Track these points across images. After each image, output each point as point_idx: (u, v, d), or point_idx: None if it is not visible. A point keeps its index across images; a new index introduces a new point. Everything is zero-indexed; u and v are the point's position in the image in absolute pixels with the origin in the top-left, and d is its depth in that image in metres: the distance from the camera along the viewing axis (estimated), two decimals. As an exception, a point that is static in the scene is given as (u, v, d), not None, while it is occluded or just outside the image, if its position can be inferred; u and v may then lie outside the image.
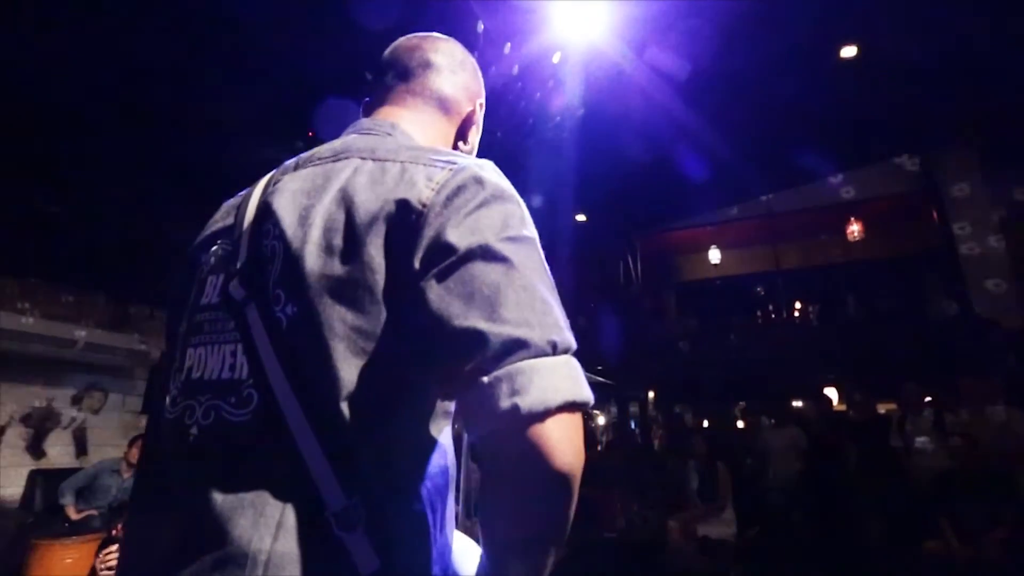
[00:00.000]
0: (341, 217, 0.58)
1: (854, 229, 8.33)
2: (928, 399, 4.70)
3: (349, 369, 0.53)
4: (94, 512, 4.03)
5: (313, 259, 0.56)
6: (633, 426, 10.00)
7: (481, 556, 0.56)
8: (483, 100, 0.88)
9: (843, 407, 6.83)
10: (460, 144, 0.84)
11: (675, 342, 8.88)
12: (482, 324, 0.50)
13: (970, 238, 6.88)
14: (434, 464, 0.59)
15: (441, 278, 0.53)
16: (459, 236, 0.54)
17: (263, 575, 0.49)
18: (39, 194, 4.23)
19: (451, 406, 0.63)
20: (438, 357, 0.53)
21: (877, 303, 8.27)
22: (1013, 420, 4.09)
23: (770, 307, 9.25)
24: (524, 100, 4.46)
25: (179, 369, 0.65)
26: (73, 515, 4.07)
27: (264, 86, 3.53)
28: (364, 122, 0.76)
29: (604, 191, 6.91)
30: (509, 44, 3.93)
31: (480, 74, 0.88)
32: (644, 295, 9.61)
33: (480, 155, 0.73)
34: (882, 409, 5.89)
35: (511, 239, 0.56)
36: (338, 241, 0.57)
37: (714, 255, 9.53)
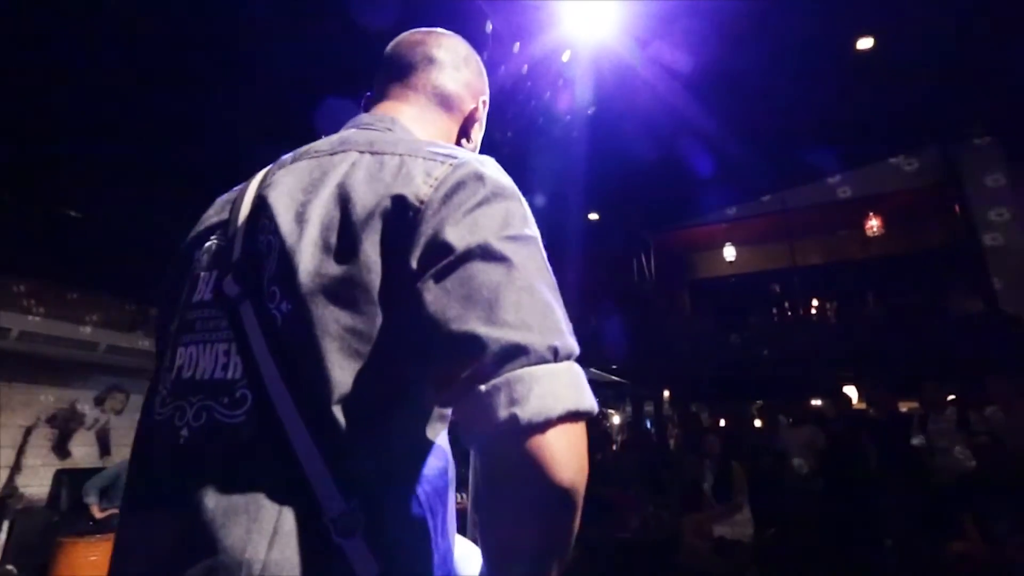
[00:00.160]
0: (338, 214, 0.56)
1: (873, 224, 8.17)
2: (951, 397, 4.59)
3: (342, 371, 0.52)
4: (117, 511, 4.12)
5: (308, 257, 0.54)
6: (648, 425, 9.94)
7: (481, 566, 0.54)
8: (487, 97, 0.86)
9: (863, 406, 6.69)
10: (463, 142, 0.83)
11: (690, 340, 8.80)
12: (480, 328, 0.48)
13: (995, 231, 6.71)
14: (432, 467, 0.57)
15: (438, 278, 0.51)
16: (458, 235, 0.52)
17: None
18: (58, 198, 4.33)
19: (449, 410, 0.61)
20: (434, 361, 0.51)
21: (897, 299, 8.11)
22: (1041, 419, 3.97)
23: (786, 304, 9.11)
24: (534, 99, 4.45)
25: (169, 368, 0.63)
26: (97, 514, 4.17)
27: (275, 89, 3.57)
28: (363, 117, 0.74)
29: (616, 189, 6.88)
30: (518, 43, 3.92)
31: (484, 71, 0.86)
32: (658, 293, 9.53)
33: (490, 155, 0.71)
34: (903, 408, 5.78)
35: (512, 238, 0.53)
36: (334, 239, 0.55)
37: (729, 252, 9.42)
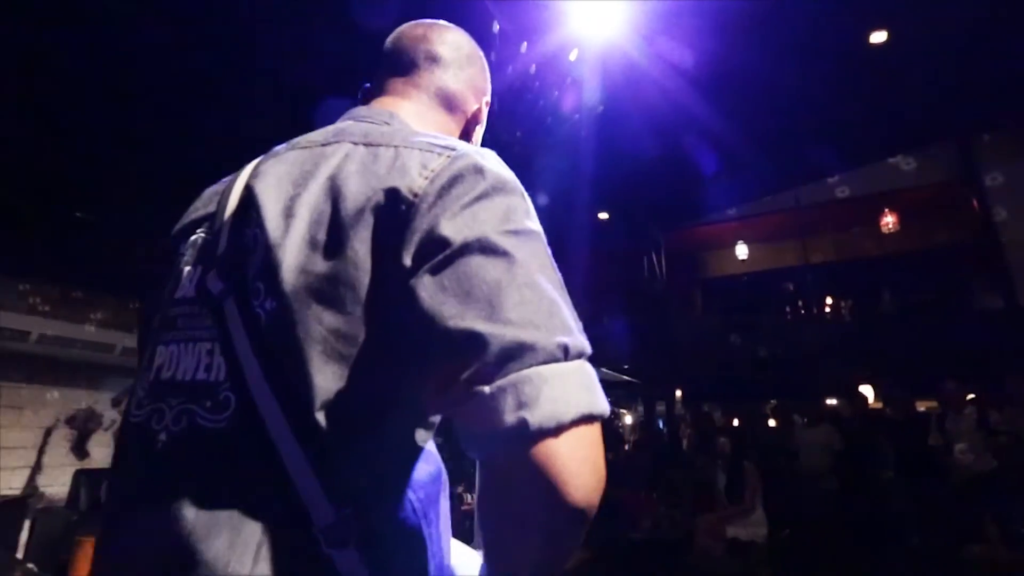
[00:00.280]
0: (328, 209, 0.53)
1: (888, 221, 8.04)
2: (971, 396, 4.51)
3: (323, 376, 0.49)
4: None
5: (294, 253, 0.51)
6: (661, 425, 9.88)
7: (481, 571, 0.53)
8: (489, 97, 0.82)
9: (879, 405, 6.60)
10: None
11: (702, 340, 8.73)
12: (481, 325, 0.44)
13: (1014, 226, 6.57)
14: (424, 472, 0.55)
15: (434, 274, 0.47)
16: (455, 228, 0.49)
17: None
18: (74, 202, 4.41)
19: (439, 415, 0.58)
20: (430, 363, 0.47)
21: (914, 297, 7.98)
22: (1064, 418, 3.88)
23: (799, 303, 9.00)
24: (542, 99, 4.44)
25: (148, 368, 0.59)
26: (115, 513, 4.23)
27: (283, 89, 3.60)
28: (360, 109, 0.71)
29: (625, 188, 6.84)
30: (526, 43, 3.91)
31: (488, 69, 0.83)
32: (669, 292, 9.47)
33: (500, 155, 0.68)
34: (921, 407, 5.69)
35: (513, 232, 0.50)
36: (323, 235, 0.52)
37: (741, 250, 9.34)
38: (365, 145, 0.57)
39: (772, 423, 6.40)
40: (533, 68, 4.12)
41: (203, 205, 0.68)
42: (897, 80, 5.71)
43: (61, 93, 3.46)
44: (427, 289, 0.47)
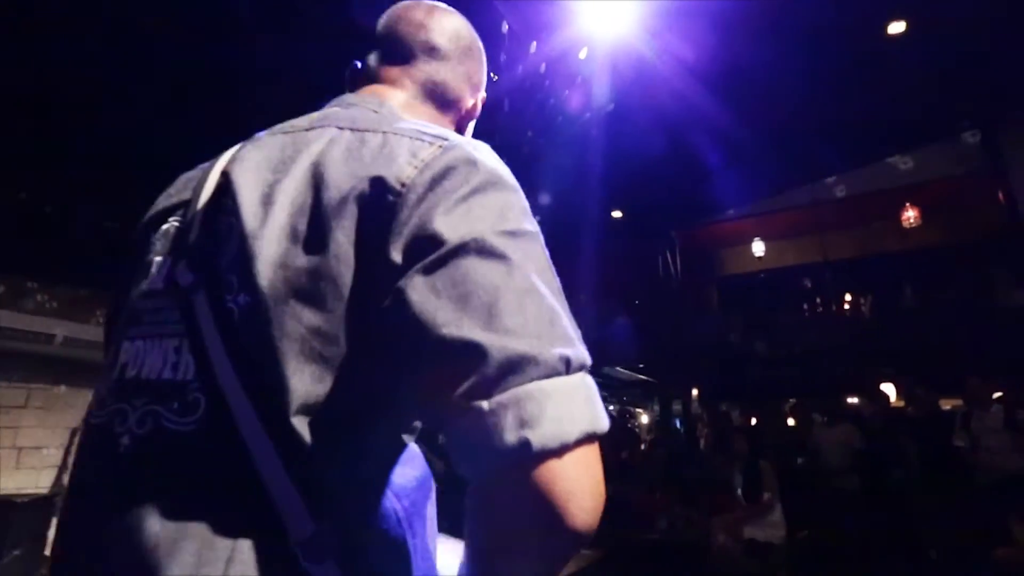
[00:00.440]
0: (309, 197, 0.49)
1: (910, 215, 7.85)
2: (997, 394, 4.39)
3: (300, 378, 0.45)
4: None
5: (272, 245, 0.48)
6: (678, 424, 9.80)
7: None
8: (484, 91, 0.78)
9: (901, 403, 6.46)
10: None
11: (718, 338, 8.64)
12: (479, 334, 0.41)
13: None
14: (410, 478, 0.51)
15: (426, 275, 0.44)
16: (449, 226, 0.45)
17: None
18: (99, 208, 4.51)
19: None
20: (421, 371, 0.44)
21: (937, 292, 7.79)
22: (1095, 416, 3.76)
23: (818, 300, 8.85)
24: (553, 98, 4.43)
25: (111, 366, 0.55)
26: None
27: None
28: (349, 96, 0.67)
29: (638, 186, 6.79)
30: (535, 42, 3.91)
31: (484, 60, 0.78)
32: (685, 290, 9.39)
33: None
34: (946, 405, 5.55)
35: (511, 233, 0.47)
36: (303, 226, 0.48)
37: (758, 247, 9.21)
38: (351, 130, 0.54)
39: (791, 422, 6.32)
40: (543, 67, 4.11)
41: (176, 192, 0.63)
42: (917, 71, 5.58)
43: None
44: (419, 292, 0.43)
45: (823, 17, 4.73)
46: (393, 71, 0.70)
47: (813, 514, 4.39)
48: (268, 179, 0.52)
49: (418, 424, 0.56)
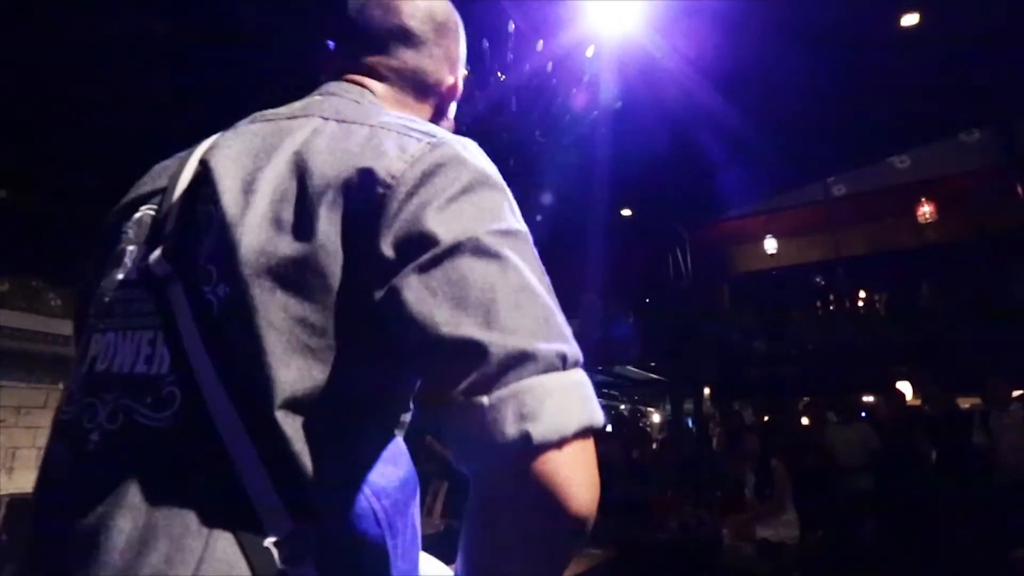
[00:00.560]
0: (293, 186, 0.48)
1: (925, 210, 7.73)
2: (1017, 393, 4.31)
3: (287, 370, 0.44)
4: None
5: (254, 233, 0.46)
6: (690, 424, 9.75)
7: None
8: (465, 68, 0.75)
9: (918, 402, 6.36)
10: (441, 122, 0.73)
11: (730, 336, 8.57)
12: (478, 333, 0.42)
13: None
14: (393, 476, 0.51)
15: (422, 275, 0.44)
16: (443, 225, 0.45)
17: None
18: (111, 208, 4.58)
19: (408, 415, 0.55)
20: (418, 368, 0.45)
21: (955, 289, 7.65)
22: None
23: (831, 297, 8.75)
24: (560, 96, 4.42)
25: (81, 360, 0.53)
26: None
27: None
28: (331, 85, 0.65)
29: (647, 184, 6.75)
30: (542, 41, 3.90)
31: (463, 33, 0.75)
32: (696, 289, 9.32)
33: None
34: (965, 404, 5.46)
35: (503, 232, 0.47)
36: (287, 214, 0.47)
37: (770, 244, 9.12)
38: (337, 121, 0.53)
39: (805, 421, 6.25)
40: (550, 66, 4.10)
41: (151, 180, 0.61)
42: (931, 64, 5.48)
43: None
44: (415, 291, 0.44)
45: (834, 11, 4.66)
46: (369, 60, 0.67)
47: (827, 514, 4.34)
48: (249, 167, 0.51)
49: (406, 419, 0.55)
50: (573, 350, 0.45)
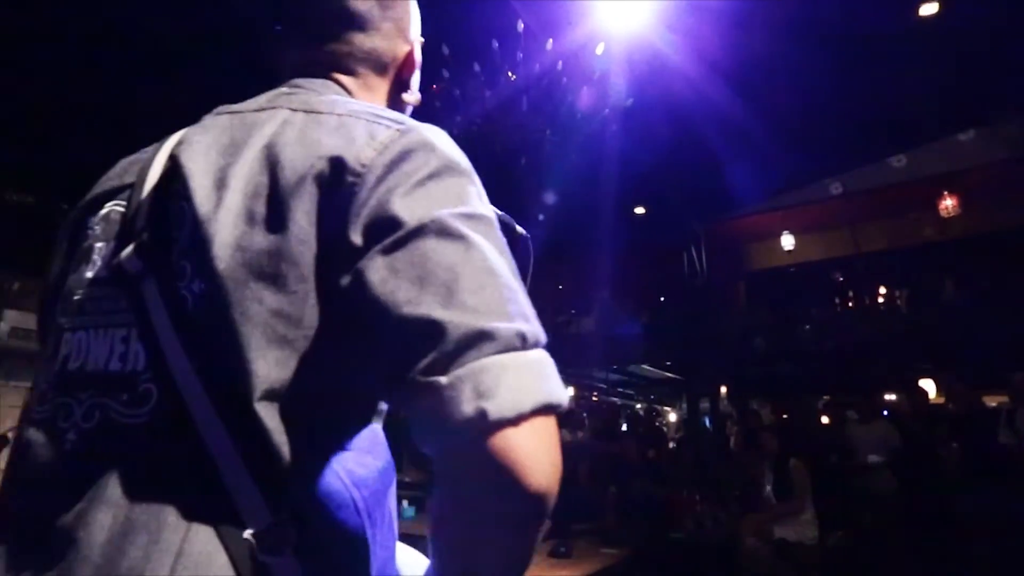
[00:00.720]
0: (265, 179, 0.49)
1: (948, 204, 7.54)
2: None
3: (266, 362, 0.45)
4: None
5: (228, 228, 0.47)
6: (707, 423, 9.66)
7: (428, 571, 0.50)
8: (420, 33, 0.73)
9: (941, 400, 6.21)
10: (404, 96, 0.72)
11: (747, 334, 8.46)
12: (438, 312, 0.42)
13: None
14: (371, 467, 0.51)
15: (386, 256, 0.44)
16: (408, 208, 0.46)
17: None
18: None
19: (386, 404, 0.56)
20: (382, 350, 0.45)
21: (979, 284, 7.46)
22: None
23: (850, 294, 8.59)
24: (570, 95, 4.41)
25: (52, 358, 0.53)
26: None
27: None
28: (294, 79, 0.64)
29: (661, 182, 6.70)
30: (551, 39, 3.89)
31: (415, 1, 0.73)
32: (711, 286, 9.23)
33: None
34: (991, 402, 5.33)
35: (468, 216, 0.47)
36: (260, 208, 0.48)
37: (787, 241, 8.97)
38: (305, 112, 0.53)
39: (824, 420, 6.14)
40: (560, 65, 4.09)
41: (118, 176, 0.61)
42: (951, 54, 5.35)
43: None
44: (378, 272, 0.44)
45: (850, 2, 4.58)
46: (324, 49, 0.65)
47: (848, 515, 4.26)
48: (220, 163, 0.51)
49: (384, 408, 0.55)
50: (534, 330, 0.45)
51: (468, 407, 0.40)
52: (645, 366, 11.14)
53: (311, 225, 0.47)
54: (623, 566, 3.12)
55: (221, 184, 0.49)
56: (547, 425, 0.43)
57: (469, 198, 0.49)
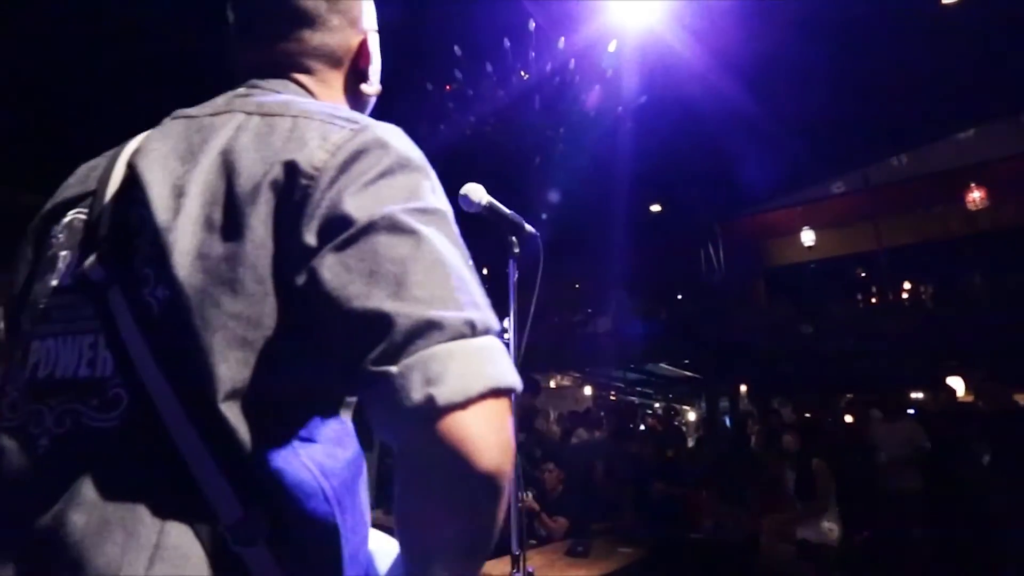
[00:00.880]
0: (222, 186, 0.49)
1: (975, 196, 7.33)
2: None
3: (227, 364, 0.46)
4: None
5: (187, 236, 0.48)
6: (727, 422, 9.54)
7: (398, 561, 0.51)
8: (374, 20, 0.72)
9: (970, 398, 6.04)
10: (363, 87, 0.71)
11: (766, 332, 8.32)
12: (387, 304, 0.43)
13: None
14: (340, 458, 0.52)
15: (338, 253, 0.45)
16: (358, 205, 0.46)
17: None
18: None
19: (353, 397, 0.57)
20: (336, 344, 0.46)
21: (1009, 278, 7.22)
22: None
23: (873, 289, 8.39)
24: (584, 93, 4.39)
25: (21, 366, 0.54)
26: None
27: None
28: (250, 80, 0.64)
29: (676, 180, 6.63)
30: (563, 38, 3.88)
31: None
32: (729, 283, 9.11)
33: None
34: (1022, 400, 5.16)
35: (420, 210, 0.48)
36: (218, 216, 0.49)
37: (807, 236, 8.81)
38: (259, 116, 0.54)
39: (848, 419, 6.01)
40: (572, 63, 4.08)
41: (78, 183, 0.61)
42: (977, 43, 5.20)
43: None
44: (331, 269, 0.45)
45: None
46: (275, 48, 0.65)
47: (873, 516, 4.16)
48: (177, 170, 0.52)
49: (352, 400, 0.56)
50: (484, 317, 0.46)
51: (417, 394, 0.41)
52: (663, 364, 11.04)
53: (268, 230, 0.48)
54: (641, 566, 3.09)
55: (180, 192, 0.50)
56: (497, 408, 0.44)
57: (422, 193, 0.50)
